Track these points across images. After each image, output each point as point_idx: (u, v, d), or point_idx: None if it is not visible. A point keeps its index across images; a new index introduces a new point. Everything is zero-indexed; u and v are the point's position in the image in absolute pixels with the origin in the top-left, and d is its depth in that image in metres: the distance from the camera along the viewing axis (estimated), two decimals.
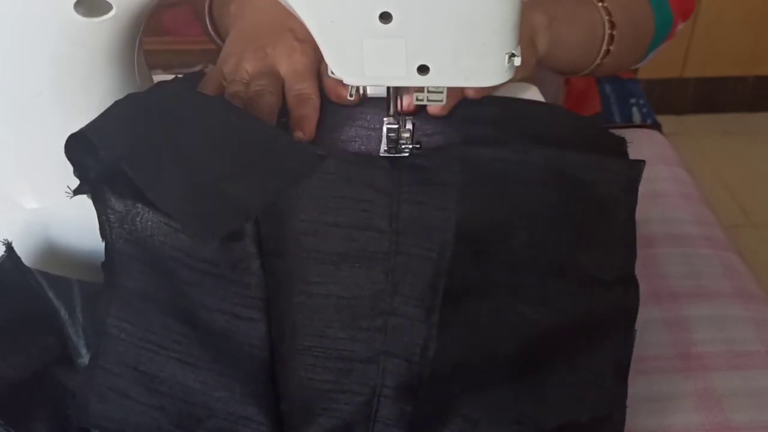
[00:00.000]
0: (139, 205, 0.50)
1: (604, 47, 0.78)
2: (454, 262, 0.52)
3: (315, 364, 0.51)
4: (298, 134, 0.59)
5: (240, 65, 0.64)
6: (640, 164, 0.58)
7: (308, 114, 0.61)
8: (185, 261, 0.51)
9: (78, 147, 0.52)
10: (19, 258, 0.52)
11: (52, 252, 0.58)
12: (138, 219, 0.51)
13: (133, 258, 0.51)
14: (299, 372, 0.51)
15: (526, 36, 0.69)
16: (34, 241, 0.57)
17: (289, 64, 0.64)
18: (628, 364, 0.52)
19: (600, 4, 0.77)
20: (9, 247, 0.53)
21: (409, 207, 0.53)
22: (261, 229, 0.51)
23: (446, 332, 0.51)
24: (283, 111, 0.62)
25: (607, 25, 0.76)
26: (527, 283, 0.53)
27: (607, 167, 0.57)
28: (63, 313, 0.52)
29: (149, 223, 0.50)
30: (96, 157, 0.52)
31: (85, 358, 0.52)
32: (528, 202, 0.55)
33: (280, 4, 0.65)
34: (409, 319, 0.51)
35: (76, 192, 0.51)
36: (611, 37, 0.77)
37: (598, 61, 0.79)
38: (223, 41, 0.78)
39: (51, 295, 0.52)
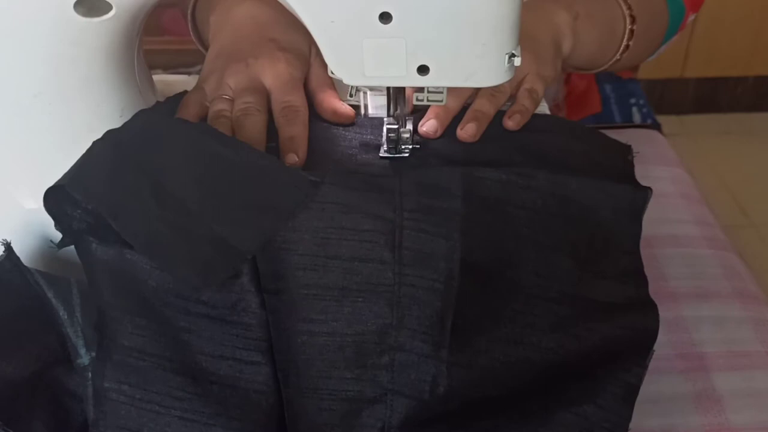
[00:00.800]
0: (127, 252, 0.49)
1: (624, 42, 0.75)
2: (461, 292, 0.50)
3: (322, 408, 0.49)
4: (291, 158, 0.57)
5: (222, 82, 0.62)
6: (646, 192, 0.57)
7: (298, 134, 0.59)
8: (181, 306, 0.49)
9: (57, 197, 0.50)
10: (18, 258, 0.52)
11: (52, 252, 0.58)
12: (127, 267, 0.49)
13: (126, 311, 0.49)
14: (306, 417, 0.49)
15: (550, 37, 0.68)
16: (34, 240, 0.57)
17: (273, 75, 0.62)
18: (638, 389, 0.50)
19: None
20: (8, 246, 0.52)
21: (411, 235, 0.51)
22: (258, 265, 0.49)
23: (456, 367, 0.49)
24: (272, 134, 0.59)
25: (627, 20, 0.74)
26: (537, 313, 0.52)
27: (612, 194, 0.57)
28: (62, 312, 0.52)
29: (139, 269, 0.49)
30: (77, 203, 0.50)
31: (84, 358, 0.51)
32: (533, 230, 0.54)
33: (260, 17, 0.63)
34: (417, 355, 0.49)
35: (61, 245, 0.50)
36: (631, 32, 0.74)
37: (617, 56, 0.77)
38: (205, 47, 0.75)
39: (50, 294, 0.52)
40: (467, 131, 0.60)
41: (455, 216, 0.52)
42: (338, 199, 0.51)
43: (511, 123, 0.61)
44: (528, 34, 0.64)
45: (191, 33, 0.77)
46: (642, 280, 0.55)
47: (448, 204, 0.53)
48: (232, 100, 0.61)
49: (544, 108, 0.70)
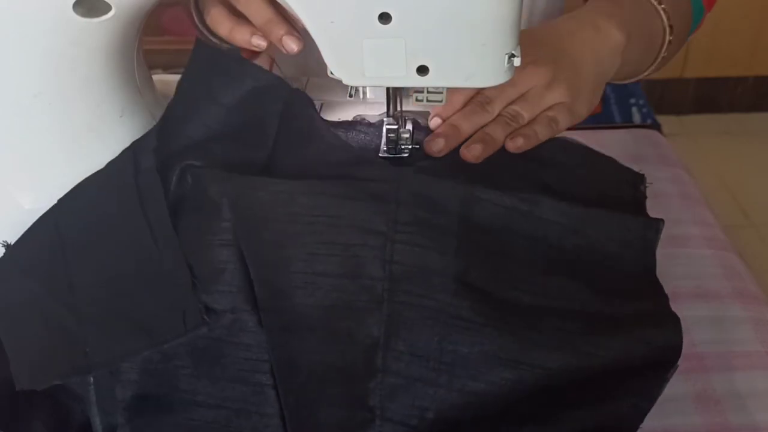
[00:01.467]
0: None
1: (662, 54, 0.71)
2: (454, 310, 0.48)
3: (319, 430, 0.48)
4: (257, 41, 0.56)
5: None
6: (658, 225, 0.56)
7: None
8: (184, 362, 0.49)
9: None
10: None
11: None
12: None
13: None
14: None
15: (595, 67, 0.62)
16: None
17: None
18: (654, 400, 0.49)
19: (660, 6, 0.69)
20: (8, 247, 0.53)
21: (405, 249, 0.49)
22: (254, 284, 0.48)
23: (447, 390, 0.47)
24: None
25: (667, 30, 0.69)
26: (541, 329, 0.49)
27: (621, 225, 0.55)
28: None
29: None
30: None
31: None
32: (530, 256, 0.52)
33: None
34: (405, 378, 0.48)
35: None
36: (669, 43, 0.70)
37: (652, 68, 0.72)
38: (212, 34, 0.75)
39: None
40: (472, 152, 0.56)
41: (450, 233, 0.50)
42: (329, 211, 0.50)
43: (510, 144, 0.57)
44: (571, 62, 0.61)
45: (196, 21, 0.77)
46: (660, 297, 0.53)
47: (444, 221, 0.51)
48: None
49: None
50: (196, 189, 0.53)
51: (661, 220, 0.56)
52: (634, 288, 0.54)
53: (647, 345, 0.51)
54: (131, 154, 0.55)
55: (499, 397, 0.48)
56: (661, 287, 0.55)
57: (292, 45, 0.56)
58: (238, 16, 0.59)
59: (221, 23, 0.59)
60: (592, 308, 0.52)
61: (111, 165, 0.55)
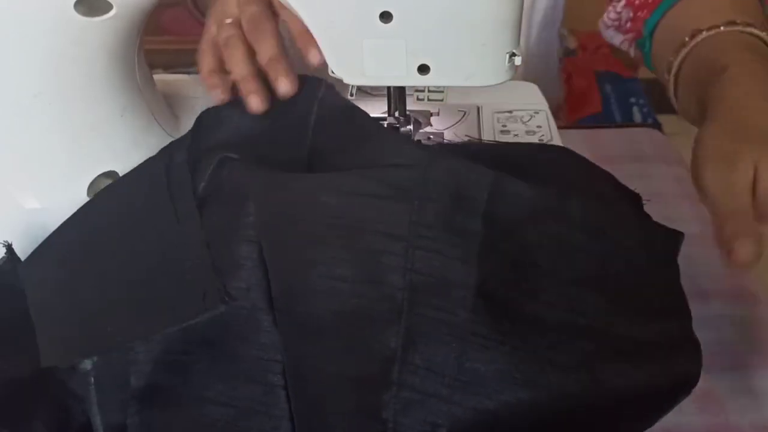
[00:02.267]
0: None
1: None
2: (473, 325, 0.46)
3: None
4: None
5: (225, 4, 0.61)
6: (678, 238, 0.54)
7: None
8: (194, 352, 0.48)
9: None
10: (19, 259, 0.52)
11: None
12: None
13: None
14: None
15: None
16: (34, 241, 0.57)
17: None
18: (652, 425, 0.48)
19: None
20: (9, 247, 0.53)
21: (425, 257, 0.47)
22: (271, 282, 0.47)
23: (460, 408, 0.46)
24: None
25: None
26: (561, 348, 0.47)
27: (648, 232, 0.53)
28: None
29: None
30: None
31: (85, 363, 0.51)
32: (552, 261, 0.50)
33: None
34: (419, 393, 0.46)
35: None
36: None
37: None
38: None
39: None
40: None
41: (474, 237, 0.48)
42: (352, 213, 0.49)
43: None
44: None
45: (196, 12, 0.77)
46: (685, 318, 0.52)
47: (467, 222, 0.49)
48: (239, 22, 0.61)
49: (544, 108, 0.70)
50: (229, 181, 0.53)
51: (682, 234, 0.54)
52: (659, 306, 0.52)
53: (668, 377, 0.49)
54: (167, 150, 0.57)
55: (512, 416, 0.46)
56: (686, 304, 0.53)
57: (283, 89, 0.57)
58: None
59: (204, 60, 0.63)
60: (617, 328, 0.50)
61: (147, 160, 0.57)
